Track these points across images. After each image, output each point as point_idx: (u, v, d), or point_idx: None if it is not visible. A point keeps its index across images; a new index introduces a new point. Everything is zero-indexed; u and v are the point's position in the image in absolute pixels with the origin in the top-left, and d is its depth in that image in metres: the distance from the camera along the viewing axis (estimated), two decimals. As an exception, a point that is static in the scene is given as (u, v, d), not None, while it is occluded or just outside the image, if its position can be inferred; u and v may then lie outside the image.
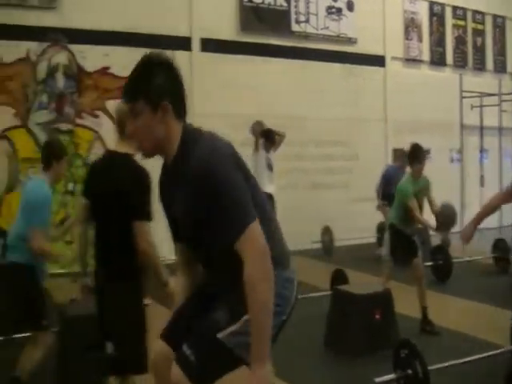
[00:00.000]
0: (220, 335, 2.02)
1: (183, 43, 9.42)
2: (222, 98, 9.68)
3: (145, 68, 2.06)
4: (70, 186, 8.88)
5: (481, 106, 12.45)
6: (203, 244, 2.10)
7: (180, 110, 2.08)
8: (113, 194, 3.18)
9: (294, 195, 10.06)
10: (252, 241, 1.90)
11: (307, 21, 10.64)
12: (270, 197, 7.60)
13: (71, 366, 4.04)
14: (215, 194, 1.91)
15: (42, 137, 8.66)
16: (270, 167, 8.07)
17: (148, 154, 2.14)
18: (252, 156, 7.80)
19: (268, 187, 7.56)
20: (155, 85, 2.02)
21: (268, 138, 8.09)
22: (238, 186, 1.95)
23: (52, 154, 3.96)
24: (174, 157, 2.08)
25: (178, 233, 2.23)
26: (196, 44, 9.56)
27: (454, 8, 12.71)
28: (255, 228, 1.91)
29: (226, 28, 9.88)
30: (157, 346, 2.24)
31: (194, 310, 2.20)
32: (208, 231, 2.01)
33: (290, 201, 9.36)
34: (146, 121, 2.02)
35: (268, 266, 1.91)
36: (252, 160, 7.63)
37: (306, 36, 10.62)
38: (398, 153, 9.39)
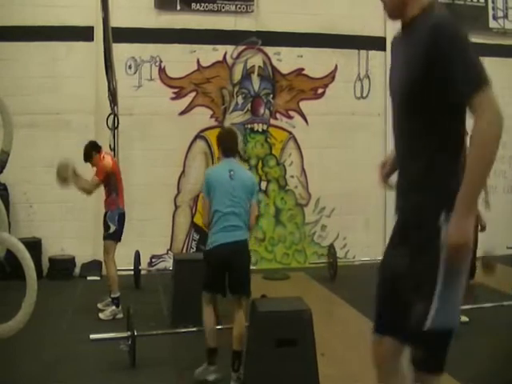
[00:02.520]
0: (426, 326, 1.95)
1: (378, 43, 9.16)
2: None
3: None
4: (263, 185, 8.92)
5: None
6: (416, 114, 2.04)
7: None
8: None
9: (492, 198, 9.32)
10: (491, 100, 1.89)
11: (505, 16, 9.95)
12: None
13: (260, 362, 3.94)
14: (453, 50, 1.89)
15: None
16: None
17: (390, 16, 2.22)
18: None
19: None
20: None
21: None
22: (476, 54, 1.92)
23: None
24: (410, 20, 2.09)
25: None
26: (390, 44, 9.22)
27: None
28: (492, 93, 1.90)
29: (420, 26, 9.47)
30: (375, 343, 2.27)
31: (393, 304, 2.17)
32: (433, 91, 1.96)
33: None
34: None
35: (500, 134, 1.89)
36: None
37: (504, 32, 9.91)
38: None
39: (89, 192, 6.21)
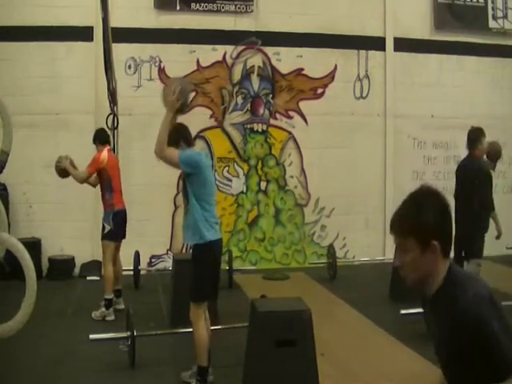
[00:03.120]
0: None
1: (377, 43, 9.19)
2: (415, 98, 9.33)
3: (414, 203, 2.02)
4: (263, 186, 8.93)
5: None
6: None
7: (447, 247, 1.99)
8: None
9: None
10: None
11: (505, 16, 9.95)
12: None
13: (260, 362, 3.95)
14: (480, 348, 1.84)
15: (238, 137, 8.83)
16: None
17: (411, 285, 2.06)
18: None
19: None
20: (425, 223, 1.96)
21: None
22: (502, 338, 1.85)
23: None
24: (436, 291, 2.02)
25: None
26: (390, 44, 9.25)
27: None
28: None
29: (420, 27, 9.49)
30: None
31: None
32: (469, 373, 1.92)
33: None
34: (414, 258, 1.98)
35: None
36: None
37: (503, 32, 9.91)
38: None
39: (80, 181, 6.35)
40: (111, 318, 6.00)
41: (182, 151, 4.32)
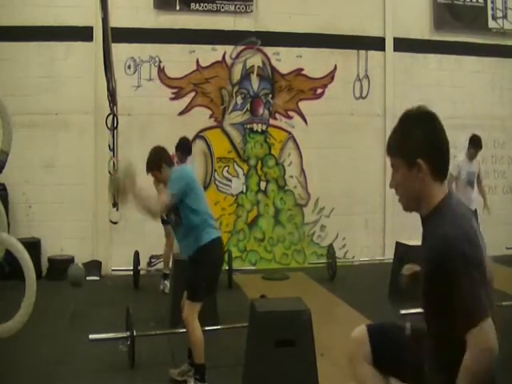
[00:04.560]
0: None
1: (377, 43, 9.19)
2: (415, 98, 9.24)
3: (402, 124, 2.12)
4: (263, 186, 8.93)
5: None
6: (430, 311, 2.09)
7: (437, 168, 2.04)
8: None
9: (492, 199, 9.37)
10: (484, 336, 1.89)
11: (505, 16, 9.95)
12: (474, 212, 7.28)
13: (259, 362, 3.92)
14: (448, 283, 1.89)
15: (237, 137, 8.84)
16: (470, 183, 7.62)
17: (405, 208, 2.16)
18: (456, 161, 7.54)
19: (468, 203, 7.28)
20: (411, 142, 2.04)
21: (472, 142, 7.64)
22: (476, 277, 1.92)
23: None
24: (423, 219, 2.08)
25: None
26: (389, 44, 9.25)
27: None
28: (488, 324, 1.90)
29: (419, 27, 9.49)
30: None
31: None
32: (438, 309, 1.99)
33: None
34: (404, 177, 2.05)
35: (489, 369, 1.93)
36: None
37: (503, 32, 9.91)
38: None
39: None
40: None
41: (170, 190, 4.20)
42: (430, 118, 2.08)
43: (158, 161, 4.43)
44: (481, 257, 1.98)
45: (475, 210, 7.29)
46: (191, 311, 4.24)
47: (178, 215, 4.29)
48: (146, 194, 4.14)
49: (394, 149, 2.10)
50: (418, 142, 2.02)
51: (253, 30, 8.91)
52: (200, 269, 4.26)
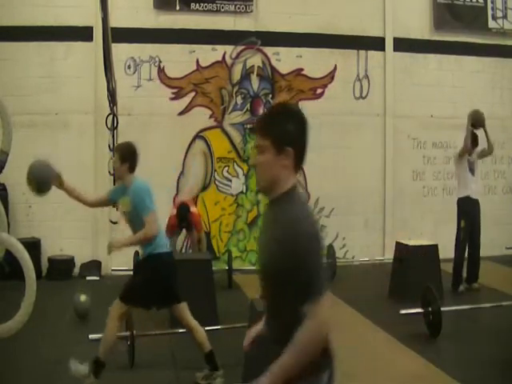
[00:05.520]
0: None
1: (377, 43, 9.19)
2: (415, 98, 9.34)
3: (279, 112, 2.23)
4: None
5: None
6: (271, 290, 2.19)
7: (299, 161, 2.16)
8: None
9: (492, 199, 9.41)
10: (320, 311, 1.98)
11: (505, 16, 9.95)
12: (476, 203, 7.32)
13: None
14: (293, 260, 1.99)
15: (237, 137, 8.84)
16: (472, 171, 7.54)
17: (259, 188, 2.25)
18: (454, 160, 7.55)
19: (472, 192, 7.30)
20: (286, 130, 2.13)
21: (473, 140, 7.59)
22: (315, 259, 2.03)
23: None
24: (271, 201, 2.17)
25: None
26: (389, 44, 9.25)
27: None
28: (325, 300, 2.00)
29: (419, 27, 9.49)
30: None
31: None
32: (278, 286, 2.11)
33: (487, 204, 8.65)
34: (268, 159, 2.12)
35: (320, 342, 2.02)
36: (455, 163, 7.51)
37: (503, 32, 9.92)
38: None
39: None
40: None
41: (150, 208, 4.38)
42: (303, 116, 2.19)
43: (127, 154, 4.42)
44: (322, 240, 2.11)
45: (477, 200, 7.26)
46: (119, 309, 4.28)
47: (137, 225, 4.38)
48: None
49: (267, 131, 2.15)
50: (292, 131, 2.12)
51: (253, 29, 8.91)
52: (142, 276, 4.38)
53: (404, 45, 9.31)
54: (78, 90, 8.25)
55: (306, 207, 2.17)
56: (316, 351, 2.04)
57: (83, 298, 6.11)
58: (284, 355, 2.05)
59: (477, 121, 7.24)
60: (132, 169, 4.43)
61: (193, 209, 7.63)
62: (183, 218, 7.37)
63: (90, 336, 4.88)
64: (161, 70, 8.61)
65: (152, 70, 8.60)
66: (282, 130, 2.12)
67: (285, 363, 2.06)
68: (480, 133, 7.34)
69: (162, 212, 8.46)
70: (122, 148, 4.51)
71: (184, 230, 7.93)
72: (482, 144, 7.50)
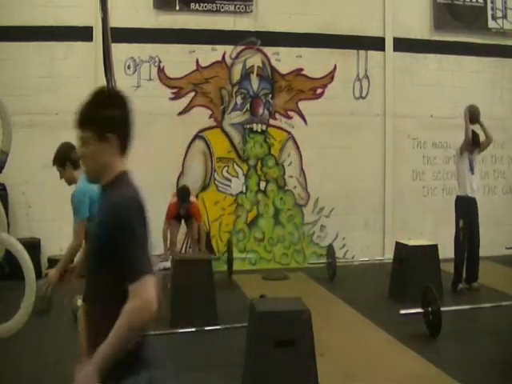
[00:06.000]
0: None
1: (376, 43, 9.20)
2: (415, 98, 9.34)
3: (96, 100, 2.20)
4: (262, 186, 8.94)
5: None
6: (97, 274, 2.20)
7: (125, 144, 2.20)
8: None
9: (491, 199, 9.42)
10: (145, 290, 2.01)
11: (504, 16, 9.95)
12: (473, 201, 7.31)
13: (259, 362, 3.92)
14: (122, 239, 2.04)
15: (237, 137, 8.84)
16: (472, 170, 7.54)
17: (90, 179, 2.29)
18: (456, 157, 7.57)
19: (470, 191, 7.30)
20: (104, 117, 2.15)
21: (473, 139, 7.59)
22: (140, 239, 2.09)
23: None
24: (103, 187, 2.22)
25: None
26: (389, 44, 9.25)
27: None
28: (151, 279, 2.03)
29: (419, 27, 9.50)
30: None
31: None
32: (103, 267, 2.13)
33: (487, 204, 8.66)
34: (93, 149, 2.16)
35: (146, 321, 2.07)
36: (455, 161, 7.58)
37: (503, 33, 9.92)
38: None
39: None
40: None
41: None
42: (124, 98, 2.21)
43: (61, 157, 4.29)
44: (146, 220, 2.17)
45: (474, 199, 7.28)
46: None
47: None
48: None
49: (86, 123, 2.19)
50: (111, 118, 2.14)
51: (253, 29, 8.91)
52: None
53: (404, 45, 9.32)
54: (78, 90, 8.18)
55: (133, 189, 2.18)
56: (140, 329, 2.10)
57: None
58: (108, 338, 2.06)
59: (472, 114, 7.26)
60: (76, 165, 4.19)
61: (193, 198, 7.65)
62: (184, 199, 7.37)
63: (90, 336, 4.86)
64: (160, 70, 8.61)
65: (152, 70, 8.60)
66: (101, 118, 2.14)
67: (109, 345, 2.06)
68: (476, 129, 7.37)
69: (163, 211, 8.52)
70: (54, 157, 4.31)
71: (184, 232, 7.93)
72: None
